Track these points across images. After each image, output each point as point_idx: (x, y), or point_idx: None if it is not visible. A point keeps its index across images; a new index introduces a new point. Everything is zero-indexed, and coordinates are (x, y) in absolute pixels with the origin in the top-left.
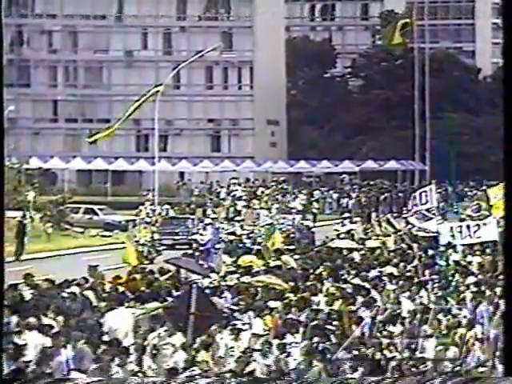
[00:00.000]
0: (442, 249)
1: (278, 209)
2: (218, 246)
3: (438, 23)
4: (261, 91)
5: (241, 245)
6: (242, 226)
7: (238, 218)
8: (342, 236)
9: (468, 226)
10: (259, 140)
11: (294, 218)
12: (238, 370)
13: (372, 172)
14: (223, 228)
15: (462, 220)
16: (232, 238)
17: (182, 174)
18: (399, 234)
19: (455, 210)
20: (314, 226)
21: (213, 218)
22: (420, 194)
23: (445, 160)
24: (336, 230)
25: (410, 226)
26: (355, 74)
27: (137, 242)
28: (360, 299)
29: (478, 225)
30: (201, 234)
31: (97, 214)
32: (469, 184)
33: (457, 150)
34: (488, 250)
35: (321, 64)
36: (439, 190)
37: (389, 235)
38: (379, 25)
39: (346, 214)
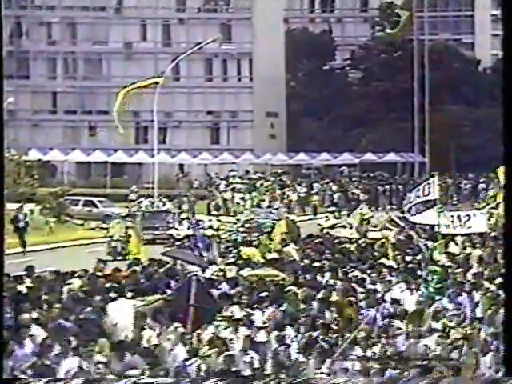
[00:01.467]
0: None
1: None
2: (206, 239)
3: (438, 15)
4: (260, 83)
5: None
6: (219, 220)
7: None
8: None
9: (459, 217)
10: (258, 132)
11: (278, 211)
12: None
13: (371, 164)
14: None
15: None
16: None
17: (181, 166)
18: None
19: (454, 202)
20: (311, 219)
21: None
22: (424, 186)
23: (444, 152)
24: (319, 225)
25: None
26: (354, 66)
27: (110, 237)
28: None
29: (468, 215)
30: (176, 229)
31: (96, 207)
32: (468, 176)
33: (456, 143)
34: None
35: (320, 56)
36: (439, 183)
37: (391, 229)
38: (378, 17)
39: (332, 208)
